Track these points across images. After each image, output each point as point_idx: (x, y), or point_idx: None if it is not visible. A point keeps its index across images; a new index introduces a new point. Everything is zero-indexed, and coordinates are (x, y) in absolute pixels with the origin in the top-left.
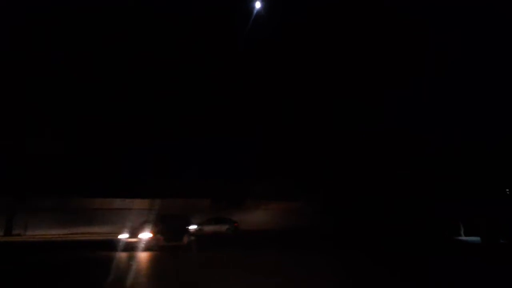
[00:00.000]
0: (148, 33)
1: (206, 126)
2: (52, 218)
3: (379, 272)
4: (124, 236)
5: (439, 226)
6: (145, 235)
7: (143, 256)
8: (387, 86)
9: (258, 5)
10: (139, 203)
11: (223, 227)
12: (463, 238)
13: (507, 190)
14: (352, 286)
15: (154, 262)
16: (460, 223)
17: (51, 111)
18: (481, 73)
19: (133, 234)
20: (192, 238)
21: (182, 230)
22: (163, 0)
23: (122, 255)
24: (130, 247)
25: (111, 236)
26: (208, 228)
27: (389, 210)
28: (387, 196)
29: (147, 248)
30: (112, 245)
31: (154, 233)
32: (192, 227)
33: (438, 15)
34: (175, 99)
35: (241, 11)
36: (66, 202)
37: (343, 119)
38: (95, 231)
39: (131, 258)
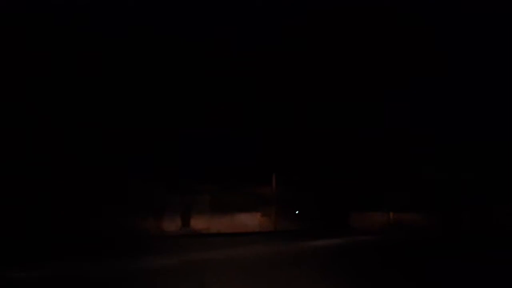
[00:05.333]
0: (148, 33)
1: None
2: None
3: None
4: None
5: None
6: None
7: None
8: (387, 86)
9: None
10: None
11: None
12: None
13: None
14: None
15: None
16: None
17: None
18: (482, 73)
19: None
20: None
21: None
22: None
23: None
24: None
25: None
26: None
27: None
28: (386, 196)
29: None
30: None
31: None
32: None
33: (438, 15)
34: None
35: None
36: None
37: (343, 119)
38: None
39: None
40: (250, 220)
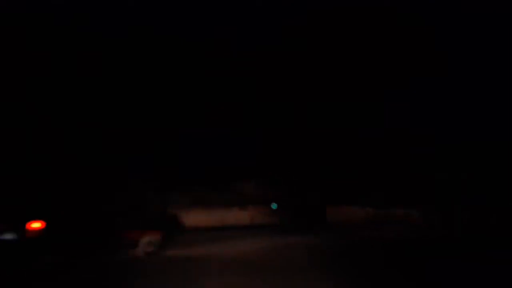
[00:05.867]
0: (149, 33)
1: None
2: None
3: None
4: None
5: None
6: None
7: None
8: (387, 86)
9: None
10: None
11: None
12: None
13: None
14: None
15: None
16: None
17: None
18: (482, 73)
19: None
20: None
21: None
22: (162, 0)
23: None
24: None
25: None
26: None
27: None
28: (386, 197)
29: None
30: None
31: None
32: None
33: (438, 15)
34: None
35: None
36: None
37: (342, 120)
38: None
39: None
40: (227, 215)
